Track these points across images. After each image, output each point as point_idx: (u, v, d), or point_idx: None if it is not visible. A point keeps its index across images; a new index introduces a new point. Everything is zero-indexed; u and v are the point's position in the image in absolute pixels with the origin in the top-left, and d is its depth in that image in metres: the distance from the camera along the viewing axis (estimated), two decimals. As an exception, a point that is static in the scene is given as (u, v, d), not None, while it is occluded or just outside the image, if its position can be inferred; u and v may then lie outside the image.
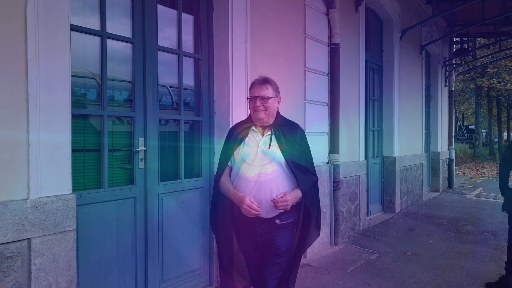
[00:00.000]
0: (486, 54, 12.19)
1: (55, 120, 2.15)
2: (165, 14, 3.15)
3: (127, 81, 2.89)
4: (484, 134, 30.63)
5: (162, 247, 3.01)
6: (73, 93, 2.39)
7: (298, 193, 2.21)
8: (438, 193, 9.30)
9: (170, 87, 3.23)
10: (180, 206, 3.16)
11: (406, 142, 7.39)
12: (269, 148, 2.21)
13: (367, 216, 6.12)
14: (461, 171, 14.72)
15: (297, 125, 2.42)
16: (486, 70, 18.90)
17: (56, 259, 2.15)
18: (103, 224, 2.62)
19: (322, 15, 4.63)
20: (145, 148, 2.90)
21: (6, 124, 1.97)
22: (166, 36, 3.15)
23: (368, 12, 6.21)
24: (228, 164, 2.31)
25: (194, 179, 3.30)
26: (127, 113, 2.87)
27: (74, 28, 2.41)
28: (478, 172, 14.73)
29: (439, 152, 9.53)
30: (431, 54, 9.28)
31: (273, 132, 2.27)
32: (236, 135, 2.33)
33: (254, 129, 2.31)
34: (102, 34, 2.65)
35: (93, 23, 2.63)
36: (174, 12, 3.23)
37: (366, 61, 5.99)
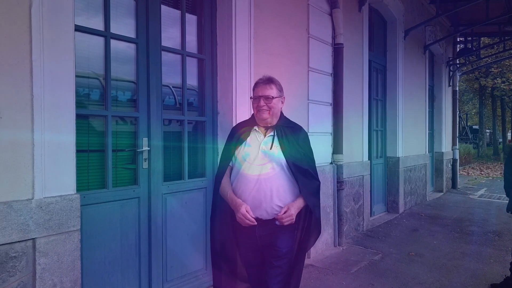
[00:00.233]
0: (490, 53, 12.14)
1: (59, 120, 2.16)
2: (168, 14, 3.16)
3: (131, 81, 2.89)
4: (488, 134, 30.47)
5: (165, 247, 3.02)
6: (77, 94, 2.40)
7: (300, 203, 2.18)
8: (442, 193, 9.26)
9: (173, 87, 3.23)
10: (183, 206, 3.16)
11: (409, 142, 7.36)
12: (270, 148, 2.18)
13: (370, 216, 6.10)
14: (465, 172, 14.66)
15: (300, 127, 2.39)
16: (490, 70, 18.83)
17: (61, 259, 2.15)
18: (107, 224, 2.62)
19: (326, 15, 4.63)
20: (149, 148, 2.90)
21: (11, 124, 1.97)
22: (169, 36, 3.15)
23: (372, 12, 6.19)
24: (229, 164, 2.28)
25: (197, 179, 3.30)
26: (131, 113, 2.88)
27: (78, 28, 2.42)
28: (482, 173, 14.66)
29: (443, 152, 9.49)
30: (435, 54, 9.24)
31: (275, 133, 2.24)
32: (238, 135, 2.30)
33: (257, 129, 2.27)
34: (106, 35, 2.66)
35: (97, 24, 2.64)
36: (177, 12, 3.24)
37: (369, 61, 5.98)
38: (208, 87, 3.42)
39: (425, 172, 8.24)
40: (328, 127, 4.72)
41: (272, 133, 2.25)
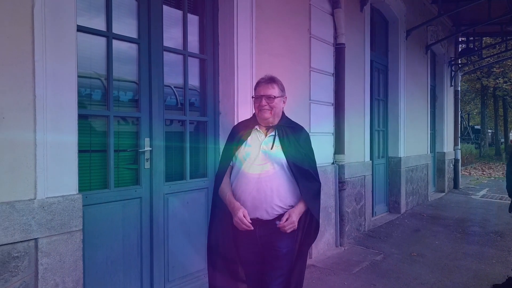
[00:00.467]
0: (492, 53, 12.11)
1: (61, 120, 2.16)
2: (170, 14, 3.16)
3: (133, 81, 2.89)
4: (490, 134, 30.41)
5: (167, 247, 3.02)
6: (79, 94, 2.40)
7: (301, 208, 2.16)
8: (444, 193, 9.24)
9: (175, 87, 3.23)
10: (185, 206, 3.17)
11: (411, 143, 7.35)
12: (271, 148, 2.16)
13: (372, 216, 6.09)
14: (467, 172, 14.62)
15: (302, 127, 2.37)
16: (492, 70, 18.77)
17: (63, 259, 2.15)
18: (109, 224, 2.63)
19: (327, 15, 4.62)
20: (150, 149, 2.90)
21: (13, 125, 1.98)
22: (171, 36, 3.16)
23: (374, 12, 6.18)
24: (230, 163, 2.26)
25: (199, 179, 3.30)
26: (132, 113, 2.88)
27: (80, 29, 2.42)
28: (484, 173, 14.63)
29: (444, 153, 9.47)
30: (436, 54, 9.23)
31: (276, 133, 2.22)
32: (238, 135, 2.28)
33: (258, 128, 2.25)
34: (108, 35, 2.66)
35: (99, 24, 2.65)
36: (179, 13, 3.24)
37: (371, 61, 5.97)
38: (210, 87, 3.42)
39: (427, 172, 8.22)
40: (330, 127, 4.72)
41: (273, 133, 2.22)
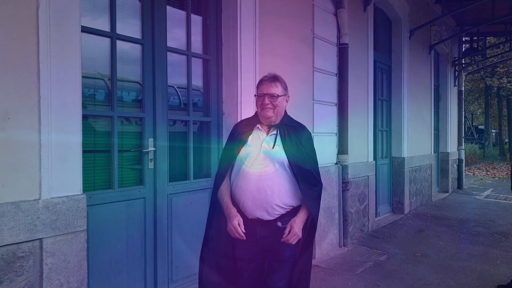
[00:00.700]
0: (496, 53, 12.06)
1: (66, 121, 2.17)
2: (174, 15, 3.17)
3: (137, 82, 2.90)
4: (494, 134, 30.28)
5: (171, 247, 3.02)
6: (84, 94, 2.41)
7: (303, 216, 2.12)
8: (448, 194, 9.21)
9: (178, 87, 3.24)
10: (189, 206, 3.17)
11: (415, 143, 7.33)
12: (273, 147, 2.13)
13: (376, 217, 6.08)
14: (470, 172, 14.56)
15: (304, 126, 2.34)
16: (496, 70, 18.71)
17: (67, 259, 2.16)
18: (113, 224, 2.63)
19: (331, 15, 4.62)
20: (154, 149, 2.91)
21: (18, 125, 1.99)
22: (175, 37, 3.16)
23: (377, 11, 6.17)
24: (230, 163, 2.22)
25: (203, 179, 3.30)
26: (136, 114, 2.89)
27: (84, 29, 2.43)
28: (488, 173, 14.56)
29: (448, 153, 9.44)
30: (440, 54, 9.19)
31: (278, 132, 2.19)
32: (240, 133, 2.24)
33: (259, 127, 2.22)
34: (112, 35, 2.67)
35: (103, 25, 2.65)
36: (183, 13, 3.24)
37: (374, 61, 5.95)
38: (213, 88, 3.42)
39: (431, 173, 8.20)
40: (333, 127, 4.71)
41: (274, 132, 2.19)
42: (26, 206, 1.99)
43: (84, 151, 2.30)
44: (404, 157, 6.82)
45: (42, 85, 2.06)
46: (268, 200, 2.09)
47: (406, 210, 6.89)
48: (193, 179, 3.22)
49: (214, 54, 3.43)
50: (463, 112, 11.00)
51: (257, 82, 2.29)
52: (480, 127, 31.46)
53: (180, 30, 3.22)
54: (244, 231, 2.06)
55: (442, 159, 9.44)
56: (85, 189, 2.35)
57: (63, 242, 2.14)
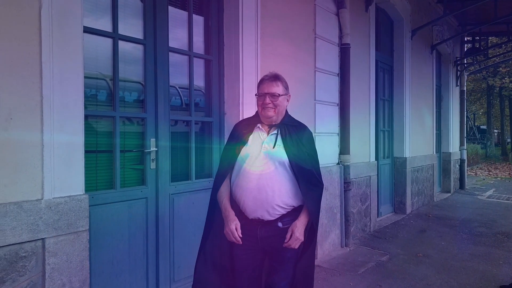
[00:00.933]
0: (498, 53, 12.01)
1: (68, 121, 2.17)
2: (176, 15, 3.17)
3: (139, 82, 2.91)
4: (496, 134, 30.20)
5: (173, 247, 3.03)
6: (86, 94, 2.41)
7: (304, 219, 2.11)
8: (450, 194, 9.19)
9: (180, 88, 3.24)
10: (191, 206, 3.17)
11: (417, 143, 7.32)
12: (273, 147, 2.11)
13: (377, 217, 6.07)
14: (472, 172, 14.53)
15: (305, 126, 2.32)
16: (498, 70, 18.65)
17: (70, 259, 2.17)
18: (115, 224, 2.64)
19: (332, 15, 4.61)
20: (156, 149, 2.91)
21: (21, 126, 1.99)
22: (177, 37, 3.16)
23: (379, 11, 6.16)
24: (231, 163, 2.21)
25: (205, 179, 3.30)
26: (138, 114, 2.89)
27: (86, 29, 2.43)
28: (490, 173, 14.52)
29: (450, 153, 9.42)
30: (442, 54, 9.18)
31: (279, 131, 2.16)
32: (240, 133, 2.22)
33: (260, 126, 2.20)
34: (114, 36, 2.68)
35: (105, 25, 2.66)
36: (185, 14, 3.25)
37: (376, 61, 5.95)
38: (215, 88, 3.43)
39: (433, 173, 8.18)
40: (335, 127, 4.70)
41: (275, 131, 2.17)
42: (28, 206, 1.99)
43: (86, 151, 2.30)
44: (406, 157, 6.81)
45: (44, 86, 2.07)
46: (269, 200, 2.08)
47: (408, 210, 6.88)
48: (195, 179, 3.22)
49: (216, 54, 3.43)
50: (465, 112, 10.98)
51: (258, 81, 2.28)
52: (482, 127, 31.37)
53: (182, 30, 3.22)
54: (241, 235, 2.06)
55: (444, 159, 9.42)
56: (87, 189, 2.36)
57: (66, 242, 2.15)
